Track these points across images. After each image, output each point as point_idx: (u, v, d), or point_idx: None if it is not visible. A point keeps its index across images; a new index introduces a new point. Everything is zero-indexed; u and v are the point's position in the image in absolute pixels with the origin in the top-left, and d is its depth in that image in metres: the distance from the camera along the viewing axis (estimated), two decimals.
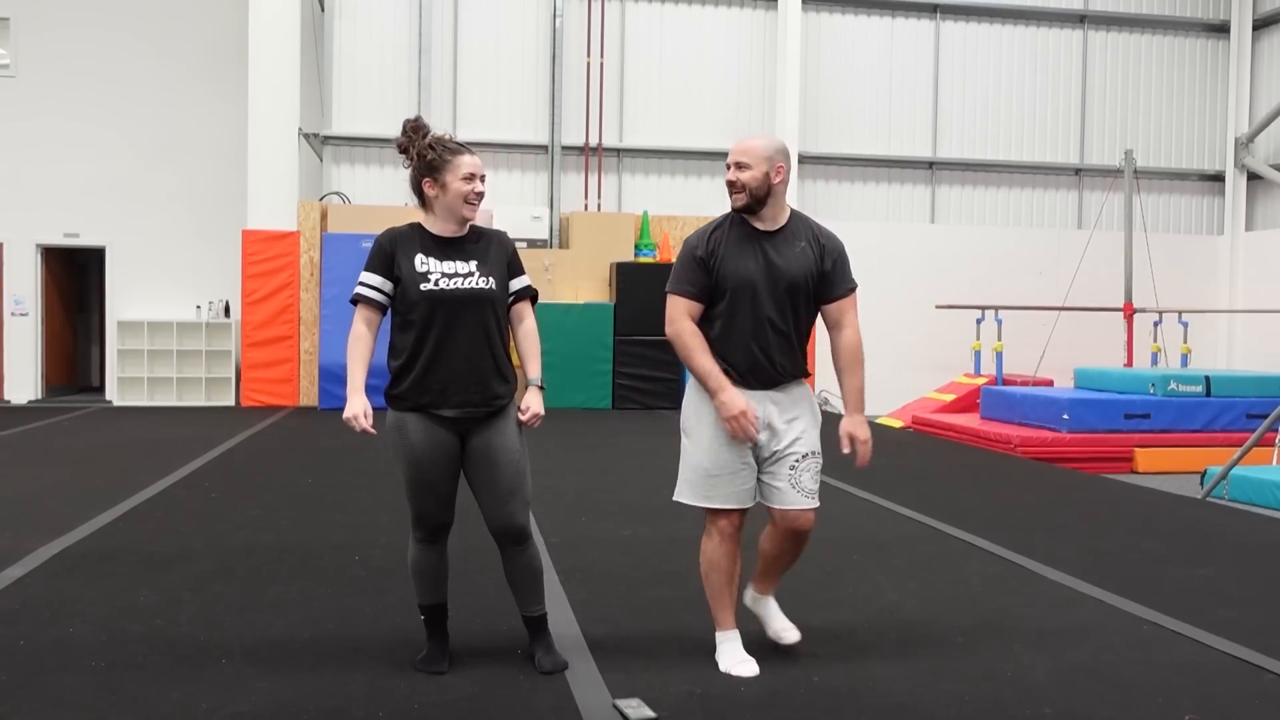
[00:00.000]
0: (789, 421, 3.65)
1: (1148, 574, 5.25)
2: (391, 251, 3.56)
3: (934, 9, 15.95)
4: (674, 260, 3.88)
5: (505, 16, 14.94)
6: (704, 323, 3.67)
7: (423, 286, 3.49)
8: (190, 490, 7.22)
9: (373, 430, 3.48)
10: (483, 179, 3.62)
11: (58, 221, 14.32)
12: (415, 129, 3.60)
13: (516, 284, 3.68)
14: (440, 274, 3.52)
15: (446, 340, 3.48)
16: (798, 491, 3.65)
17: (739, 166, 3.62)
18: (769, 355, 3.61)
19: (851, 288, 3.73)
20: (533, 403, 3.60)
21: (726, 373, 3.59)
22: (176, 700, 3.32)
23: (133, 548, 5.44)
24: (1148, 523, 6.79)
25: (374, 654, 3.80)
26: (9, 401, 14.12)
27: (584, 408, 13.42)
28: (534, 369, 3.68)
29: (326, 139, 14.61)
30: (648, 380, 13.66)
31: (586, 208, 14.99)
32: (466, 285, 3.51)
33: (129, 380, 13.96)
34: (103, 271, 14.55)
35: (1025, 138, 16.34)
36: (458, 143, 3.62)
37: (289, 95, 13.23)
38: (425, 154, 3.56)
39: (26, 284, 14.31)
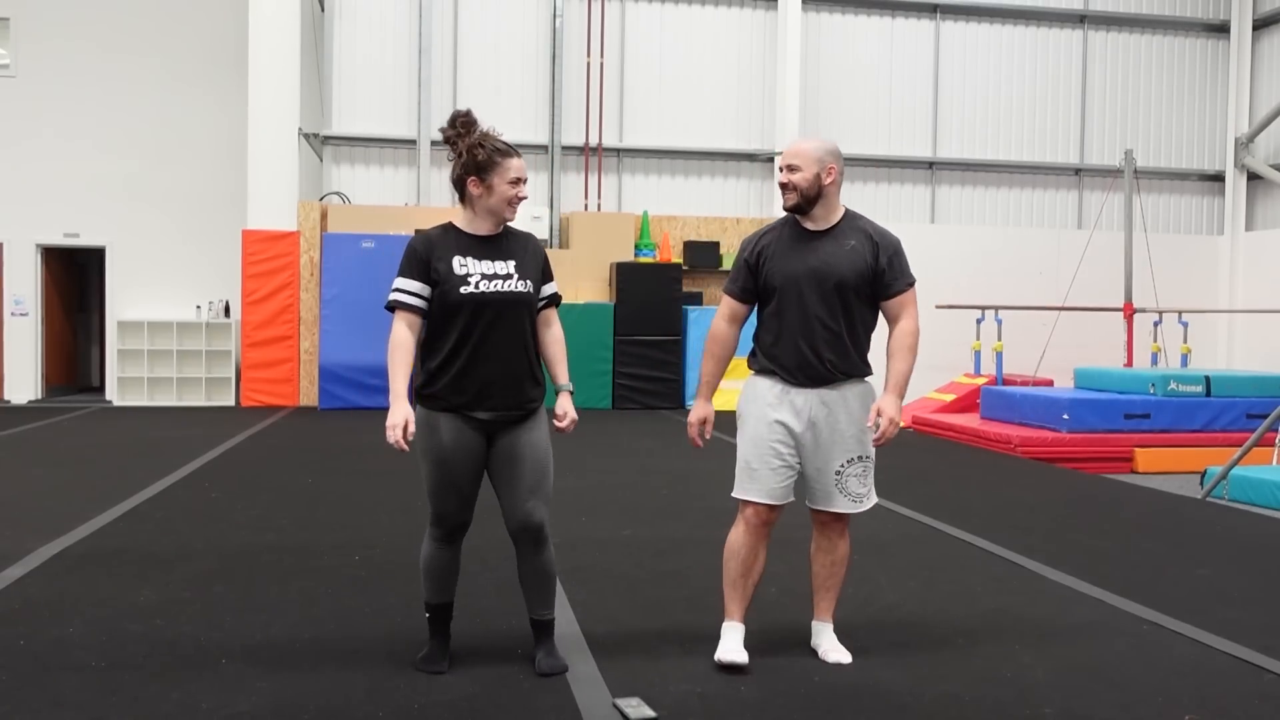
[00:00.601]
0: (836, 423, 3.68)
1: (1148, 574, 5.25)
2: (427, 257, 3.51)
3: (934, 9, 15.95)
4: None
5: (505, 16, 14.94)
6: (759, 322, 3.81)
7: (463, 290, 3.46)
8: (190, 490, 7.22)
9: (407, 447, 3.46)
10: (525, 182, 3.59)
11: (58, 221, 14.32)
12: (465, 124, 3.54)
13: (546, 289, 3.67)
14: (480, 276, 3.49)
15: (485, 343, 3.47)
16: (844, 495, 3.73)
17: (790, 169, 3.70)
18: (818, 353, 3.65)
19: (910, 283, 3.76)
20: (568, 408, 3.63)
21: (776, 371, 3.68)
22: (176, 700, 3.32)
23: (133, 548, 5.44)
24: (1148, 523, 6.79)
25: (374, 654, 3.81)
26: (9, 401, 14.12)
27: (584, 407, 13.41)
28: (563, 374, 3.68)
29: (326, 139, 14.61)
30: (648, 380, 13.65)
31: (586, 208, 14.99)
32: (506, 288, 3.49)
33: (129, 380, 13.96)
34: (103, 271, 14.55)
35: (1025, 138, 16.34)
36: (505, 144, 3.56)
37: (289, 95, 13.23)
38: (475, 152, 3.50)
39: (26, 284, 14.31)
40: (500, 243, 3.58)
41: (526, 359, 3.54)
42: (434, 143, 14.62)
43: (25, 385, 14.28)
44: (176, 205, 14.44)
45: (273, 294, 13.39)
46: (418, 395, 3.54)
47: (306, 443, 9.95)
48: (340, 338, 13.03)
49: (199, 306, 14.39)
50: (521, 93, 14.94)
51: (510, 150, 3.55)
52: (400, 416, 3.43)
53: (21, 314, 14.30)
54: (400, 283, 3.51)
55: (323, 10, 14.58)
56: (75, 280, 15.54)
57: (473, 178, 3.52)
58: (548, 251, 13.88)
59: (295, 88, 13.25)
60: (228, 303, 14.29)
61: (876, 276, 3.70)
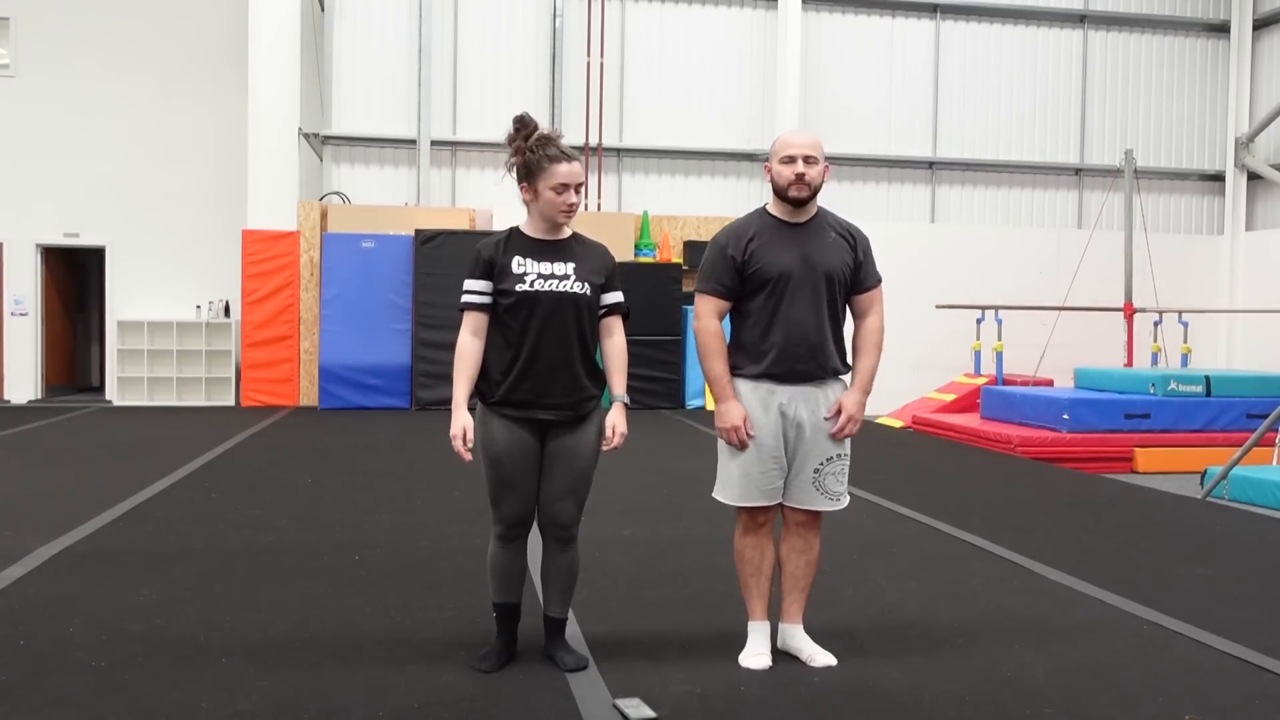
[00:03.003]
0: (818, 421, 3.66)
1: (1148, 574, 5.25)
2: (490, 258, 3.57)
3: (934, 9, 15.95)
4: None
5: (505, 16, 14.93)
6: (741, 318, 3.71)
7: (518, 287, 3.51)
8: (190, 490, 7.22)
9: (469, 457, 3.53)
10: (578, 189, 3.56)
11: (58, 221, 14.31)
12: (521, 125, 3.56)
13: (610, 297, 3.66)
14: (536, 274, 3.53)
15: (539, 342, 3.51)
16: (820, 493, 3.70)
17: (809, 160, 3.61)
18: (808, 348, 3.63)
19: (879, 279, 3.79)
20: (618, 422, 3.61)
21: (762, 369, 3.61)
22: (176, 700, 3.32)
23: (133, 548, 5.44)
24: (1148, 523, 6.79)
25: (374, 654, 3.80)
26: (9, 401, 14.11)
27: None
28: (619, 385, 3.67)
29: (326, 139, 14.61)
30: (648, 380, 13.64)
31: (586, 208, 14.98)
32: (561, 288, 3.52)
33: (129, 380, 13.96)
34: (103, 271, 14.55)
35: (1025, 138, 16.34)
36: (559, 148, 3.55)
37: (289, 95, 13.23)
38: (525, 155, 3.54)
39: (26, 284, 14.30)
40: (563, 247, 3.61)
41: (581, 361, 3.56)
42: (434, 142, 14.63)
43: (25, 385, 14.27)
44: (176, 205, 14.43)
45: (273, 294, 13.39)
46: (477, 393, 3.59)
47: (306, 443, 9.94)
48: (340, 338, 13.02)
49: (199, 306, 14.39)
50: (521, 93, 14.92)
51: (562, 155, 3.53)
52: (459, 426, 3.52)
53: (21, 314, 14.30)
54: (469, 284, 3.59)
55: (323, 10, 14.58)
56: (75, 280, 15.53)
57: (522, 183, 3.58)
58: None
59: (295, 88, 13.25)
60: (228, 303, 14.29)
61: (855, 270, 3.72)
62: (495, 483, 3.57)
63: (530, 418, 3.53)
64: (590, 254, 3.65)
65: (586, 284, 3.56)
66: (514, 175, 3.62)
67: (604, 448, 3.64)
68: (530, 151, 3.53)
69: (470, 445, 3.52)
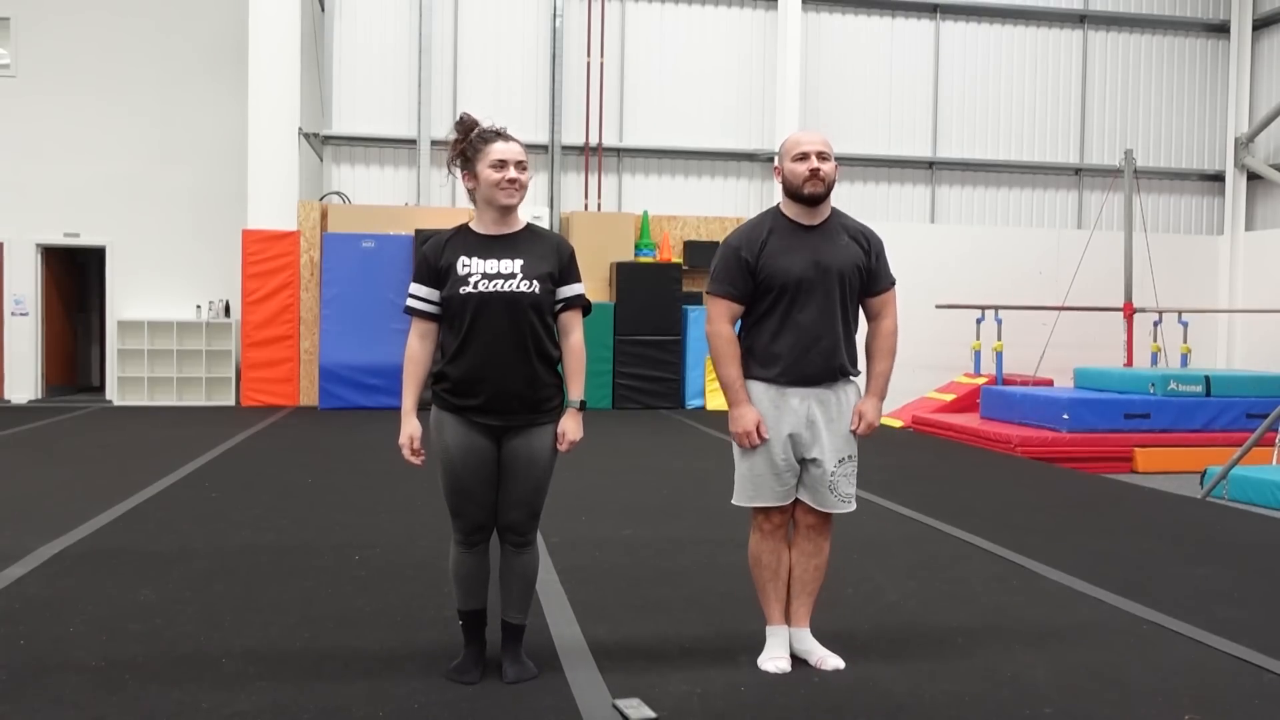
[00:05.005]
0: (831, 422, 3.66)
1: (1148, 574, 5.25)
2: (435, 261, 3.47)
3: (934, 9, 15.95)
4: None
5: (505, 16, 14.93)
6: (754, 320, 3.69)
7: (462, 290, 3.40)
8: (190, 490, 7.22)
9: (420, 463, 3.49)
10: (519, 166, 3.46)
11: (58, 221, 14.31)
12: (463, 126, 3.50)
13: (566, 291, 3.52)
14: (481, 275, 3.41)
15: (486, 345, 3.39)
16: (834, 495, 3.70)
17: (822, 157, 3.62)
18: (820, 350, 3.62)
19: (893, 282, 3.79)
20: (569, 427, 3.51)
21: (773, 372, 3.60)
22: (176, 700, 3.32)
23: (133, 548, 5.44)
24: (1148, 523, 6.79)
25: (374, 654, 3.80)
26: (9, 401, 14.11)
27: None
28: (575, 389, 3.55)
29: (326, 139, 14.60)
30: (648, 380, 13.65)
31: (586, 207, 14.99)
32: (506, 288, 3.40)
33: (129, 380, 13.96)
34: (103, 271, 14.54)
35: (1025, 138, 16.34)
36: (496, 131, 3.50)
37: (289, 95, 13.23)
38: (462, 146, 3.49)
39: (26, 284, 14.30)
40: (511, 241, 3.49)
41: (533, 364, 3.43)
42: (434, 142, 14.62)
43: (25, 385, 14.27)
44: (176, 205, 14.43)
45: (273, 294, 13.38)
46: (431, 395, 3.52)
47: (306, 443, 9.95)
48: (340, 337, 13.02)
49: (199, 306, 14.39)
50: (521, 93, 14.93)
51: (495, 135, 3.47)
52: (405, 435, 3.47)
53: (21, 314, 14.30)
54: (413, 288, 3.51)
55: (323, 10, 14.58)
56: (75, 280, 15.53)
57: (465, 173, 3.51)
58: None
59: (295, 88, 13.24)
60: (228, 302, 14.29)
61: (868, 273, 3.71)
62: (452, 491, 3.48)
63: (483, 423, 3.44)
64: (541, 246, 3.51)
65: (535, 281, 3.42)
66: (458, 172, 3.54)
67: (560, 447, 3.53)
68: (466, 140, 3.48)
69: (418, 450, 3.47)
